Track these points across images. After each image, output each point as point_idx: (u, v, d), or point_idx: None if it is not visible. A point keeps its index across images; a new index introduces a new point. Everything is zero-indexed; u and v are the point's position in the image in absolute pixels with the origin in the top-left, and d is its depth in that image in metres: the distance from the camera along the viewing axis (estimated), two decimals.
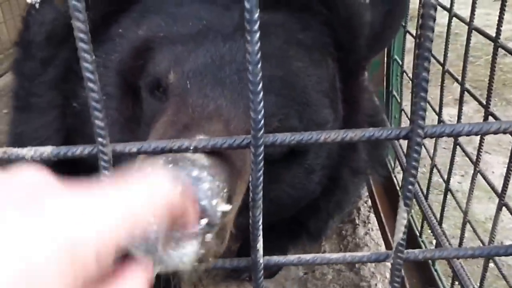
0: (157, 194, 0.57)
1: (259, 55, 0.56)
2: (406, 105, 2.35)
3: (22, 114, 1.30)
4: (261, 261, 0.69)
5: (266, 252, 0.72)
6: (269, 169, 0.72)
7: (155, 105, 1.10)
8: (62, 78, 1.28)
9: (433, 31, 0.55)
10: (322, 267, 2.43)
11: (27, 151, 0.61)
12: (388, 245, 2.33)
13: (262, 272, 0.70)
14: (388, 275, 2.39)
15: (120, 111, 1.17)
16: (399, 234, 0.71)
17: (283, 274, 2.40)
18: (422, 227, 2.02)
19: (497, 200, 1.34)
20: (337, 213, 1.45)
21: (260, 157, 0.65)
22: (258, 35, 0.55)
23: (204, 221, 0.66)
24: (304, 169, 1.20)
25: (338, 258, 0.73)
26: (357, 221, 2.74)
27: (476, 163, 1.44)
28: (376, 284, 2.33)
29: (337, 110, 1.25)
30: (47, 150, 0.62)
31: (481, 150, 1.41)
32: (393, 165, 2.57)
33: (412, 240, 2.02)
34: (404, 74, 2.29)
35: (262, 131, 0.64)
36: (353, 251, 2.54)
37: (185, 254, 0.65)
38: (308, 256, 0.73)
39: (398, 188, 2.49)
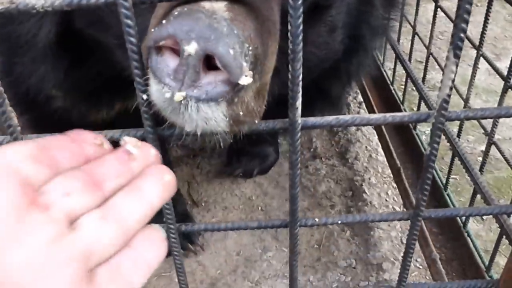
0: None
1: None
2: None
3: None
4: (299, 121, 0.63)
5: None
6: None
7: None
8: None
9: None
10: (315, 163, 2.42)
11: (37, 0, 0.53)
12: (381, 137, 2.31)
13: (299, 134, 0.64)
14: (380, 169, 2.40)
15: None
16: (445, 90, 0.65)
17: (277, 170, 2.39)
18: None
19: None
20: (356, 76, 1.41)
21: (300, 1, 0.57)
22: None
23: (228, 82, 0.61)
24: (327, 26, 1.14)
25: (378, 118, 0.67)
26: None
27: None
28: (369, 178, 2.33)
29: None
30: None
31: None
32: (382, 58, 2.51)
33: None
34: None
35: None
36: (345, 146, 2.53)
37: (213, 115, 0.63)
38: (347, 117, 0.67)
39: (388, 81, 2.45)
